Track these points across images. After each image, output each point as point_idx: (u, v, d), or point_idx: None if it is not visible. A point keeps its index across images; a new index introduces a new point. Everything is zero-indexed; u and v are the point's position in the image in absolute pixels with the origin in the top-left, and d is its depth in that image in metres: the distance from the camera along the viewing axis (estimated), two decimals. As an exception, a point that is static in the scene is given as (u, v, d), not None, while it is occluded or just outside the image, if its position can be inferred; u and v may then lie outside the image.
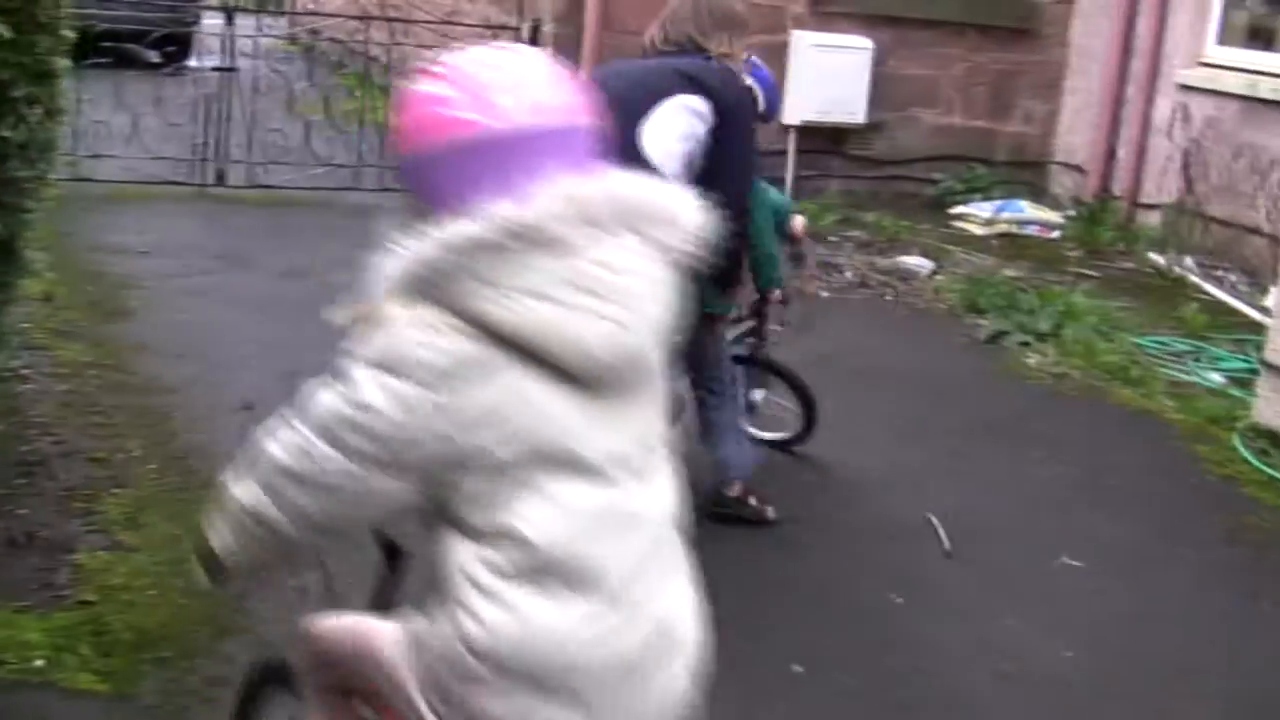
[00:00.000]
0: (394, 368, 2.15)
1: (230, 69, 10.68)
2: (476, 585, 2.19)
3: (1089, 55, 11.98)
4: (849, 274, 9.44)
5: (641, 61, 5.34)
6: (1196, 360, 8.35)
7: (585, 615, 2.21)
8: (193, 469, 5.57)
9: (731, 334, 5.91)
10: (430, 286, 2.17)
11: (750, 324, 5.97)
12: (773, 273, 5.68)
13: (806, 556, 5.48)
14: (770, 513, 5.65)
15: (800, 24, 11.19)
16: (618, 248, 2.21)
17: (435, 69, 2.31)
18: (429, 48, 11.58)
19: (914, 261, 9.71)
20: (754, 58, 5.56)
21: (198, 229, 9.48)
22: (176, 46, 14.44)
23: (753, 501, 5.64)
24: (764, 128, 5.61)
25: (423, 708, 2.28)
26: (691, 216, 2.32)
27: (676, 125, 4.97)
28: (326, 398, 2.21)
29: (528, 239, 2.15)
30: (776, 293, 5.74)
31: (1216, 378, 8.03)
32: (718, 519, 5.58)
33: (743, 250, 5.20)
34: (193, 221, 9.67)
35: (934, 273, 9.61)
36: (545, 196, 2.17)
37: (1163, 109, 11.13)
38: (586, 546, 2.21)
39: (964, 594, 5.30)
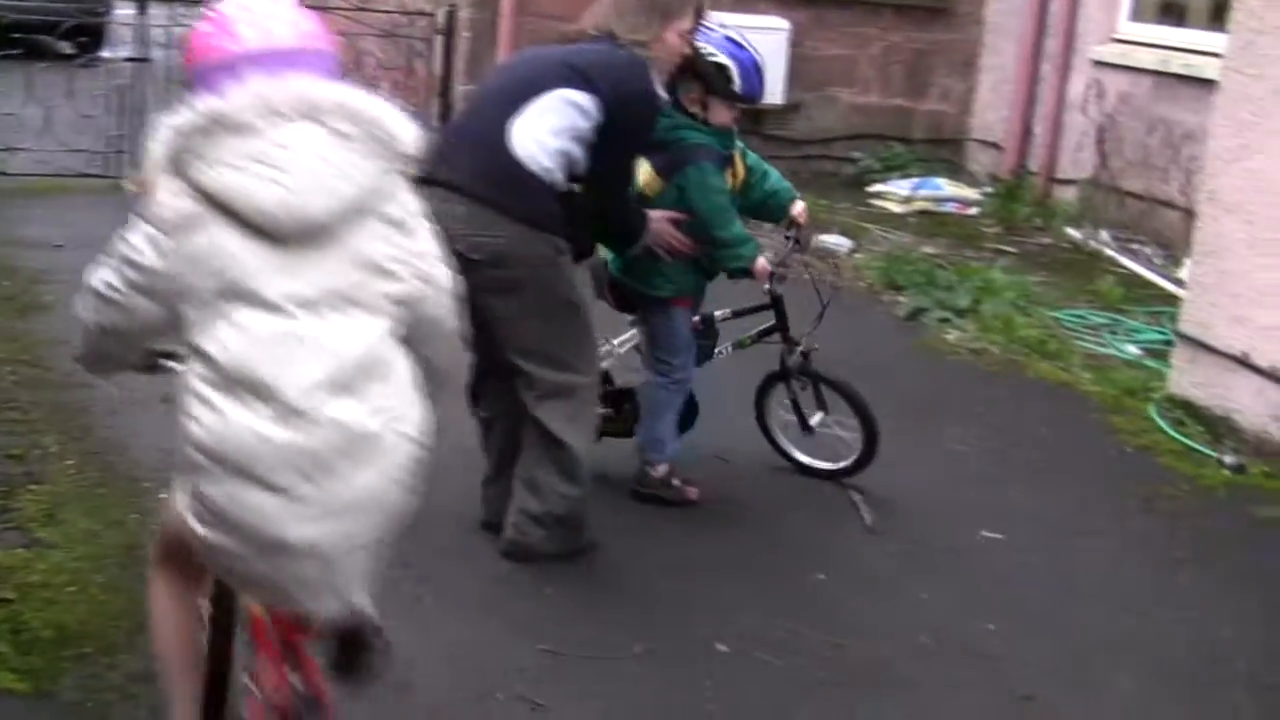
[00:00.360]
0: (150, 221, 2.85)
1: (144, 59, 10.57)
2: (193, 393, 2.83)
3: (1004, 33, 12.06)
4: (769, 253, 9.43)
5: (541, 50, 5.19)
6: (1113, 333, 8.44)
7: (269, 417, 2.80)
8: (110, 464, 5.55)
9: (751, 334, 5.92)
10: (170, 162, 2.85)
11: (770, 324, 5.84)
12: (739, 253, 5.45)
13: (729, 536, 5.50)
14: (693, 493, 5.67)
15: (717, 4, 11.17)
16: (297, 133, 2.84)
17: (210, 13, 3.00)
18: (344, 34, 11.56)
19: (833, 240, 9.74)
20: (733, 36, 5.36)
21: (113, 222, 9.29)
22: (89, 37, 14.30)
23: (676, 483, 5.66)
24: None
25: (190, 518, 2.91)
26: (380, 113, 2.95)
27: (552, 120, 4.74)
28: (119, 242, 2.91)
29: (224, 124, 2.82)
30: (760, 264, 5.49)
31: (1133, 350, 8.13)
32: (640, 498, 5.62)
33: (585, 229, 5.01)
34: (108, 214, 9.41)
35: (853, 251, 9.65)
36: (239, 93, 2.83)
37: (1077, 85, 11.22)
38: (266, 364, 2.81)
39: (885, 569, 5.34)
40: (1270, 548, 5.78)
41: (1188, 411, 6.99)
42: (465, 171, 4.75)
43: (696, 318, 5.71)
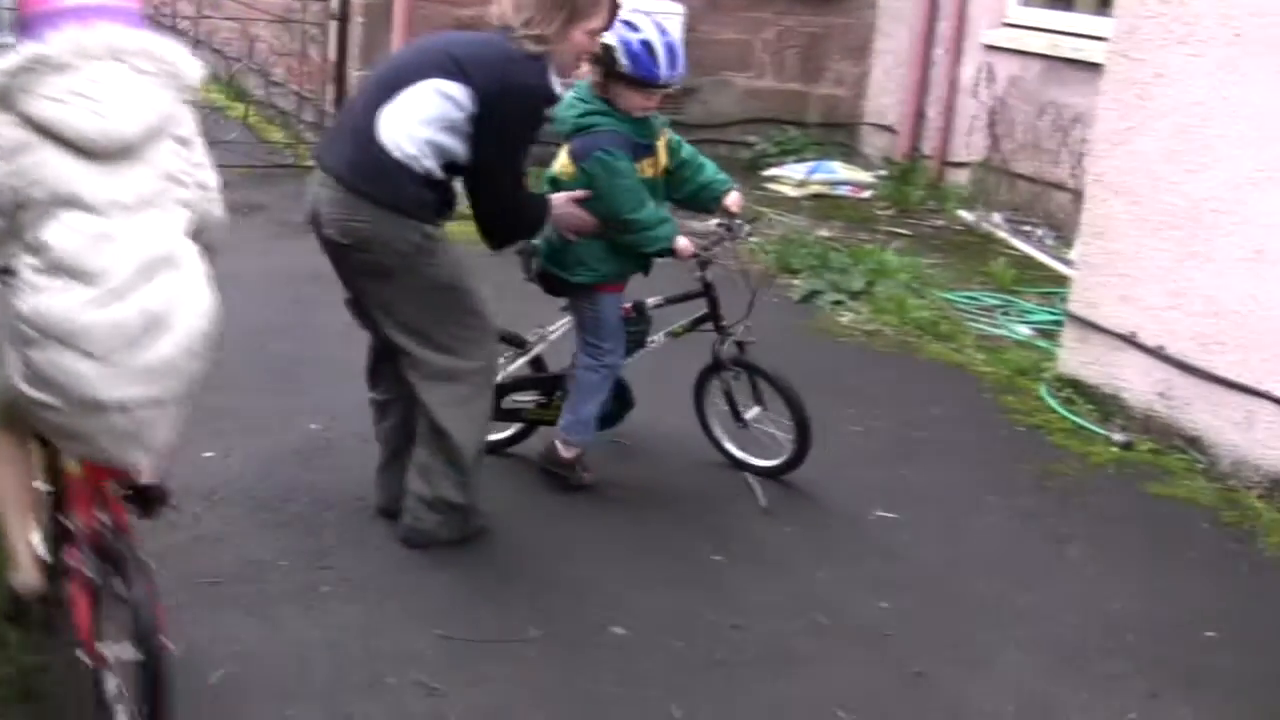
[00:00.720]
0: None
1: None
2: (26, 281, 3.42)
3: (897, 18, 12.15)
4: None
5: (429, 39, 5.17)
6: (1005, 314, 8.55)
7: (89, 298, 3.40)
8: None
9: (684, 323, 5.90)
10: (2, 98, 3.42)
11: (703, 313, 5.83)
12: (655, 234, 5.42)
13: (625, 518, 5.53)
14: (587, 478, 5.71)
15: (612, -11, 11.20)
16: (106, 70, 3.46)
17: None
18: (236, 20, 11.47)
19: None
20: (629, 19, 5.24)
21: None
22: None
23: (580, 470, 5.70)
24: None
25: (20, 381, 3.49)
26: (171, 54, 3.60)
27: (422, 110, 4.73)
28: None
29: (46, 64, 3.41)
30: (682, 242, 5.48)
31: (1024, 330, 8.23)
32: (544, 473, 5.65)
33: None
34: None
35: (748, 234, 9.65)
36: (58, 39, 3.42)
37: (969, 69, 11.34)
38: (88, 255, 3.42)
39: (781, 549, 5.39)
40: (1157, 522, 5.89)
41: (1077, 390, 7.10)
42: (339, 157, 4.87)
43: (627, 304, 5.72)
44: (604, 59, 5.26)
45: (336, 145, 4.95)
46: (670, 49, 5.30)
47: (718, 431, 6.04)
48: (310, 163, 10.67)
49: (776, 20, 12.02)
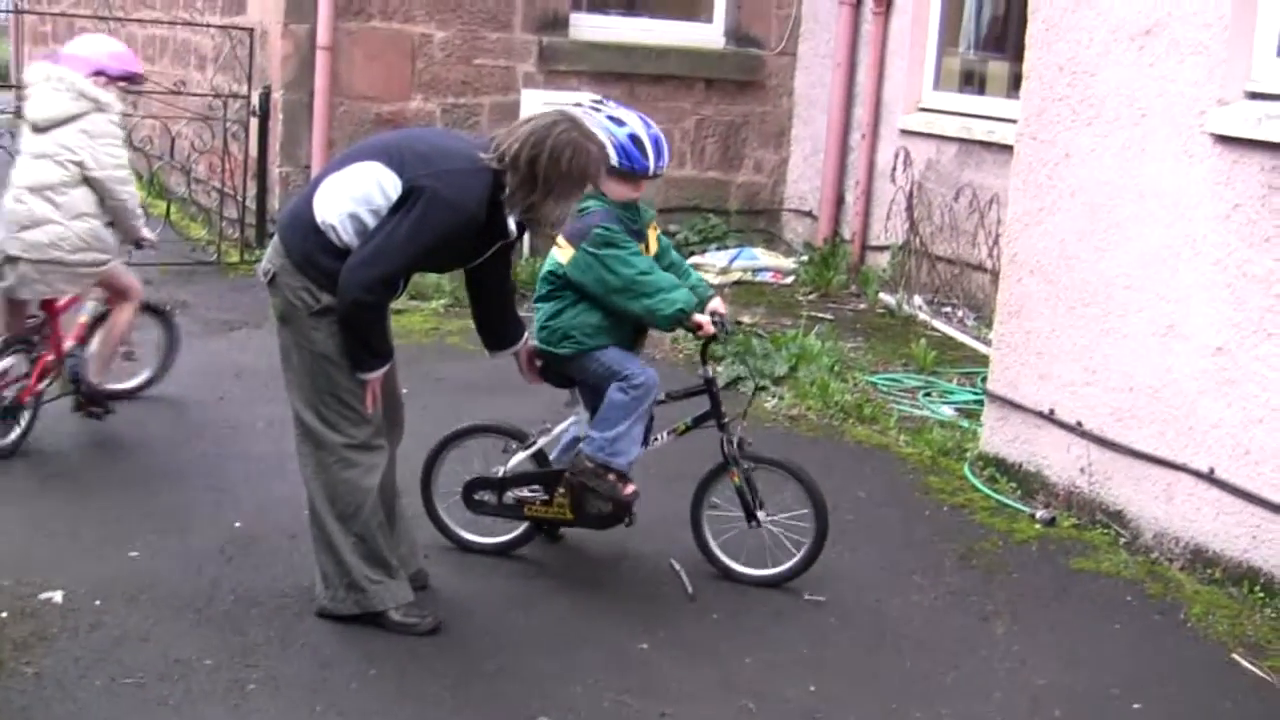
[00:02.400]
0: None
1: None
2: None
3: (814, 104, 12.32)
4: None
5: (410, 130, 5.87)
6: (927, 395, 8.63)
7: (10, 197, 6.36)
8: None
9: (687, 420, 5.85)
10: None
11: (704, 410, 5.82)
12: (671, 298, 5.47)
13: (551, 607, 5.52)
14: (627, 491, 5.67)
15: (531, 83, 11.33)
16: (39, 86, 6.71)
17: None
18: (157, 117, 11.48)
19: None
20: (614, 114, 5.55)
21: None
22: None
23: (611, 478, 5.62)
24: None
25: None
26: (80, 84, 6.73)
27: (355, 187, 4.91)
28: None
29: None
30: (701, 319, 5.55)
31: (947, 411, 8.31)
32: (575, 485, 5.65)
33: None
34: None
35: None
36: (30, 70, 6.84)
37: (886, 154, 11.49)
38: (15, 175, 6.60)
39: (709, 636, 5.39)
40: (1082, 597, 5.94)
41: (1000, 468, 7.18)
42: (287, 208, 5.22)
43: None
44: None
45: (293, 198, 5.27)
46: (655, 140, 5.58)
47: (710, 541, 5.92)
48: (233, 259, 10.71)
49: (695, 110, 12.16)
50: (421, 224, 4.86)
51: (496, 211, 5.00)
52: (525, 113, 10.87)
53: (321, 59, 10.59)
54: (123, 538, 5.81)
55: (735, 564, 5.87)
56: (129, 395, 7.52)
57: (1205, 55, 6.14)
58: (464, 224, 4.93)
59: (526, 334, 5.64)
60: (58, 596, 5.25)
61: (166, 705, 4.58)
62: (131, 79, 7.11)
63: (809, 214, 12.39)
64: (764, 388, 8.39)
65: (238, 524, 6.03)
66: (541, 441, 5.82)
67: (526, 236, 8.66)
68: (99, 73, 6.86)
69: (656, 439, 5.83)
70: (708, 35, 12.38)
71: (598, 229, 5.47)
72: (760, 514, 5.78)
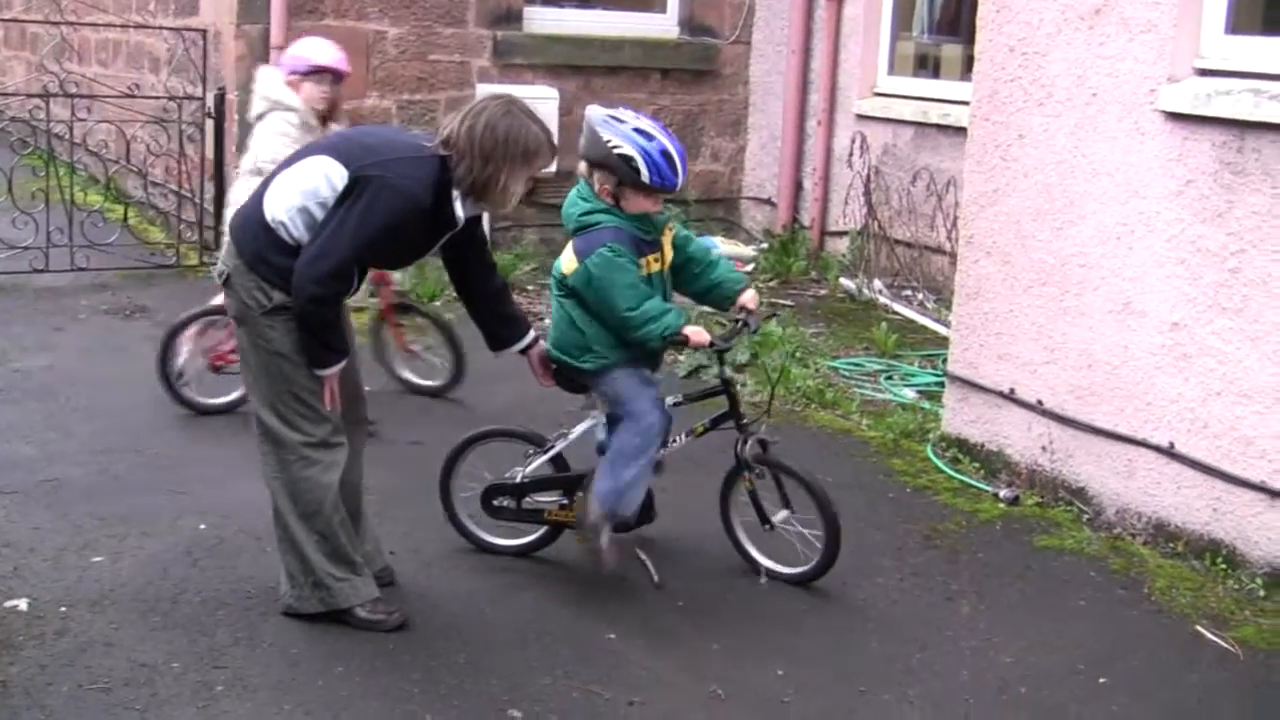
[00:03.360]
0: None
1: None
2: None
3: (770, 92, 12.33)
4: (547, 321, 9.49)
5: (361, 128, 5.77)
6: (889, 378, 8.66)
7: None
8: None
9: (705, 422, 5.82)
10: None
11: (722, 411, 5.76)
12: (661, 323, 5.33)
13: (517, 600, 5.53)
14: (607, 559, 5.58)
15: (486, 77, 11.31)
16: None
17: None
18: (112, 122, 11.42)
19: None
20: (641, 127, 5.37)
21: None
22: None
23: (601, 540, 5.54)
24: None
25: None
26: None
27: (303, 181, 4.92)
28: None
29: None
30: (695, 331, 5.41)
31: (909, 393, 8.34)
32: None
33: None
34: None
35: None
36: None
37: (842, 139, 11.52)
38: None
39: (674, 623, 5.41)
40: (1046, 574, 5.98)
41: (962, 449, 7.21)
42: (242, 208, 5.19)
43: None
44: (622, 169, 5.31)
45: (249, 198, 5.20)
46: (681, 155, 5.41)
47: (742, 538, 5.90)
48: (192, 262, 10.67)
49: (651, 100, 12.15)
50: (368, 212, 4.85)
51: (445, 200, 4.98)
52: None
53: (275, 59, 10.53)
54: (86, 544, 5.79)
55: (766, 559, 5.81)
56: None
57: (1155, 33, 6.18)
58: (410, 211, 4.91)
59: (535, 334, 5.57)
60: (22, 604, 5.24)
61: (134, 710, 4.57)
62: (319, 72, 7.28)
63: (768, 201, 12.41)
64: (778, 382, 8.32)
65: (202, 526, 6.02)
66: (559, 446, 5.75)
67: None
68: (292, 72, 7.27)
69: (675, 440, 5.77)
70: (662, 26, 12.39)
71: (603, 249, 5.31)
72: (781, 514, 5.72)
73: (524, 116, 5.01)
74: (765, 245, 11.92)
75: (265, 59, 10.51)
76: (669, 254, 5.61)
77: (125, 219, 11.25)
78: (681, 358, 5.42)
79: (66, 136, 11.13)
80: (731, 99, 12.56)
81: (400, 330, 7.91)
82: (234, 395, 7.31)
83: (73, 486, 6.44)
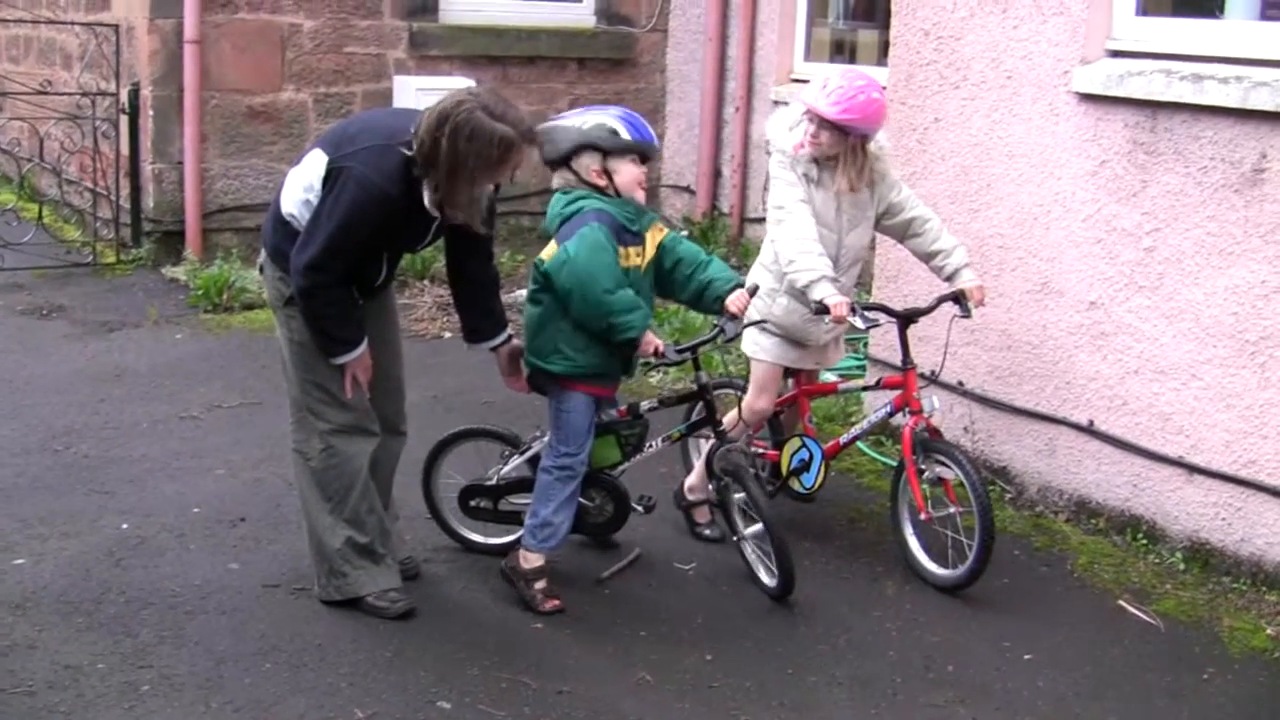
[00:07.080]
0: None
1: None
2: None
3: (687, 80, 12.33)
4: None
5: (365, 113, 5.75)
6: (811, 362, 8.66)
7: None
8: None
9: (681, 427, 5.83)
10: None
11: (699, 417, 5.71)
12: (627, 320, 5.18)
13: (443, 591, 5.54)
14: (546, 605, 5.41)
15: (403, 69, 11.25)
16: None
17: None
18: (24, 119, 11.30)
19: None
20: (622, 118, 5.30)
21: None
22: None
23: (539, 586, 5.42)
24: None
25: None
26: None
27: (304, 175, 4.99)
28: None
29: None
30: (660, 346, 5.29)
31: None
32: (504, 578, 5.54)
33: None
34: None
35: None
36: None
37: (760, 126, 11.51)
38: None
39: (602, 612, 5.43)
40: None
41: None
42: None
43: (622, 407, 5.59)
44: (603, 137, 5.25)
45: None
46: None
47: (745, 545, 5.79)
48: (109, 260, 10.57)
49: (569, 90, 12.13)
50: (337, 203, 4.87)
51: (417, 190, 4.92)
52: (398, 101, 10.93)
53: (190, 53, 10.43)
54: (6, 546, 5.72)
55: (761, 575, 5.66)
56: None
57: (1067, 16, 6.24)
58: (374, 201, 4.85)
59: (509, 333, 5.50)
60: (-58, 608, 5.19)
61: (59, 713, 4.52)
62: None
63: (687, 189, 12.41)
64: (647, 363, 8.34)
65: (124, 526, 5.97)
66: (536, 447, 5.65)
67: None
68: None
69: (651, 445, 5.70)
70: (578, 14, 12.36)
71: (584, 228, 5.20)
72: (750, 530, 5.64)
73: (489, 120, 4.82)
74: (685, 233, 11.92)
75: (179, 53, 10.43)
76: (650, 253, 5.43)
77: (40, 217, 11.12)
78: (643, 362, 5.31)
79: (-23, 134, 11.01)
80: (649, 87, 12.55)
81: None
82: None
83: (-9, 488, 6.38)
